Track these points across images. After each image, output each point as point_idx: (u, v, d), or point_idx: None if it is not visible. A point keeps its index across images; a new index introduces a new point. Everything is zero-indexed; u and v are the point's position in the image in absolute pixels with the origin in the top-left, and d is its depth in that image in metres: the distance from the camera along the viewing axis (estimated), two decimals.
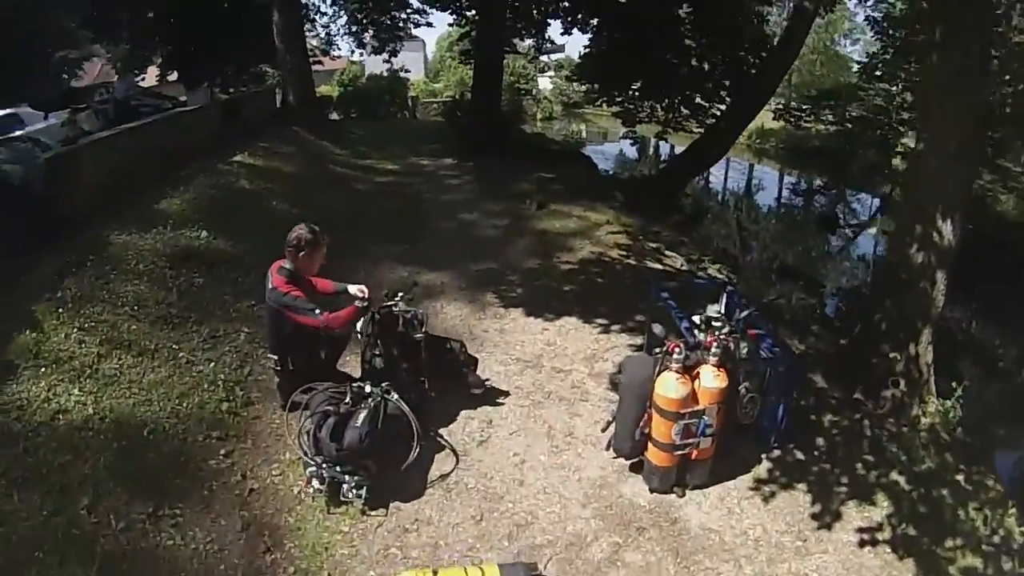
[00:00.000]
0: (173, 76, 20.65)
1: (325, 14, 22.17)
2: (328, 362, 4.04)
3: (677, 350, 3.20)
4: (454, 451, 3.90)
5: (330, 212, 8.14)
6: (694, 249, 8.97)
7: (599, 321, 5.47)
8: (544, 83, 33.98)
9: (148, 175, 7.23)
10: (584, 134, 29.40)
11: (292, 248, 3.73)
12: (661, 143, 17.94)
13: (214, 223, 6.25)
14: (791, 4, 15.25)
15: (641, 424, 3.34)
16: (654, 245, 8.22)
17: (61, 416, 3.59)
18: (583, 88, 19.87)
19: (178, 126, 9.48)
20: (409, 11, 20.18)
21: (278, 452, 3.80)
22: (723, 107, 14.19)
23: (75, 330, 4.17)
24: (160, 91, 17.76)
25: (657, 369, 3.28)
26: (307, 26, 19.53)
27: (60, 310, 4.29)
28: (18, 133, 9.37)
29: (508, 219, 8.70)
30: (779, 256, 12.34)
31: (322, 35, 22.11)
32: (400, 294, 4.07)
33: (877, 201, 17.10)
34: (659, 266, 7.45)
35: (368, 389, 3.57)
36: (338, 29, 22.52)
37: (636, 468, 3.67)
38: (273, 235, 6.76)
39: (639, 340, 5.08)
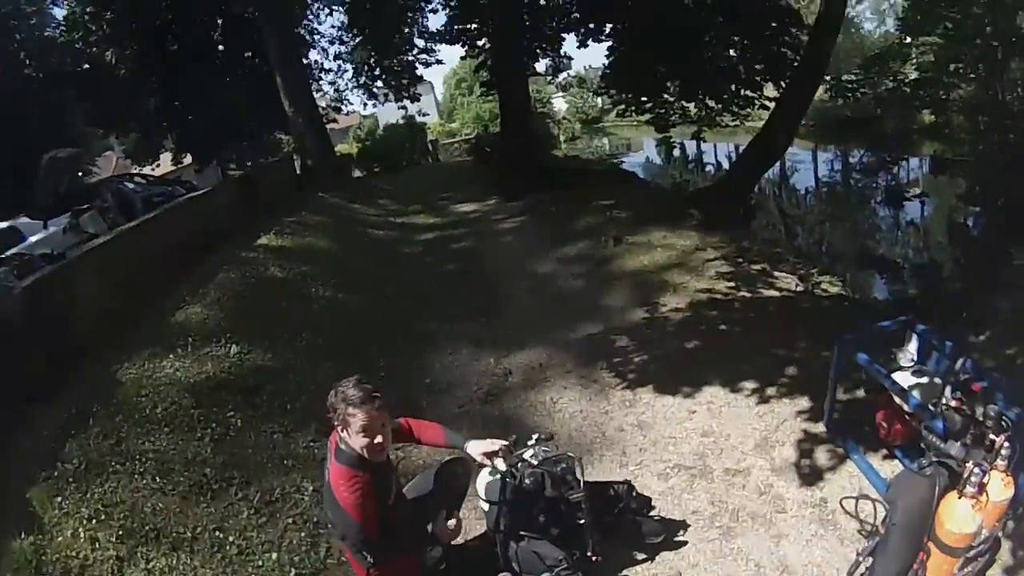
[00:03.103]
0: (188, 159, 20.25)
1: (330, 70, 21.25)
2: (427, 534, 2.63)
3: (977, 471, 2.33)
4: None
5: (381, 291, 6.96)
6: (800, 260, 7.64)
7: (748, 387, 4.24)
8: (559, 103, 32.96)
9: (160, 279, 6.11)
10: (608, 148, 28.58)
11: (335, 422, 2.26)
12: (693, 143, 17.02)
13: (246, 331, 5.01)
14: None
15: (915, 567, 2.49)
16: (758, 267, 6.87)
17: None
18: (602, 102, 18.81)
19: (189, 214, 8.36)
20: (416, 51, 19.27)
21: None
22: (764, 95, 13.05)
23: (84, 521, 3.01)
24: (179, 176, 17.22)
25: (938, 493, 2.43)
26: (314, 85, 18.78)
27: (61, 497, 3.13)
28: (11, 252, 7.97)
29: (587, 264, 7.31)
30: (826, 237, 11.69)
31: (331, 93, 21.07)
32: (535, 436, 2.69)
33: (916, 163, 16.02)
34: (775, 292, 6.18)
35: None
36: (346, 83, 21.69)
37: None
38: (321, 334, 5.51)
39: (806, 403, 3.93)
